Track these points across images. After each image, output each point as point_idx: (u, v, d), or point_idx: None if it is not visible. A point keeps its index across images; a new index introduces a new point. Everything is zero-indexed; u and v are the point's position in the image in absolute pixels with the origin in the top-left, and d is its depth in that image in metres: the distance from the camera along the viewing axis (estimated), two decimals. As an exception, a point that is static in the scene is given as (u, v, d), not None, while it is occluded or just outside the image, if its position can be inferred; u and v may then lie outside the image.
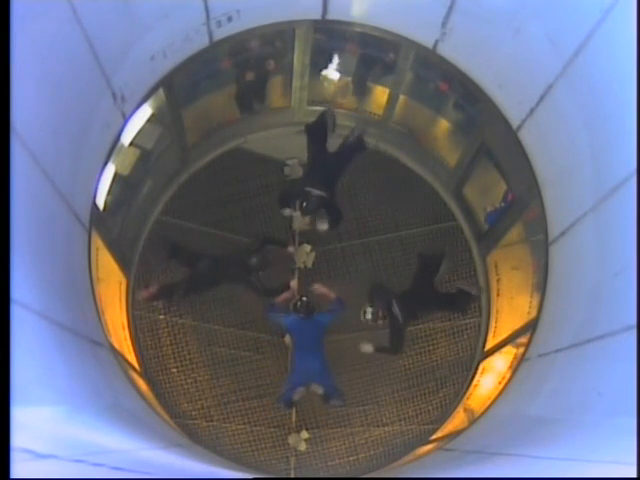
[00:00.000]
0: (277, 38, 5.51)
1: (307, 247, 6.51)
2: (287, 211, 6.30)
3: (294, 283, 6.01)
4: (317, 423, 6.12)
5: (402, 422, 6.16)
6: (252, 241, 6.12)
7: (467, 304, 6.15)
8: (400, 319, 5.78)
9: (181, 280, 5.92)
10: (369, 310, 5.84)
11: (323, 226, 6.32)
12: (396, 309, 5.78)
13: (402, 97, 6.07)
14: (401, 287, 6.08)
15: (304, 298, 5.80)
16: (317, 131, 6.07)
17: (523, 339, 4.88)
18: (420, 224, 6.58)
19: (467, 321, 6.28)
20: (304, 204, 5.99)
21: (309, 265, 6.50)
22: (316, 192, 5.91)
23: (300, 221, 6.36)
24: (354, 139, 6.13)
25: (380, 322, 5.85)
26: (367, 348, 6.04)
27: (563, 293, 4.32)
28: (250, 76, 5.94)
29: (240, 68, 5.79)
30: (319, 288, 5.93)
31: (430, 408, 6.18)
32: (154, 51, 4.37)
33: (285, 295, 5.93)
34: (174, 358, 6.09)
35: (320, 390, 5.62)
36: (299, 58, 5.64)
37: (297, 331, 5.75)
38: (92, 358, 3.83)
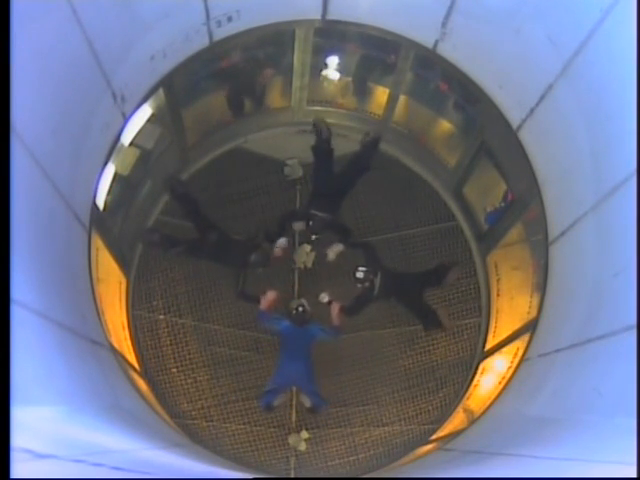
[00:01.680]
0: (277, 38, 5.50)
1: (307, 247, 6.51)
2: (282, 241, 6.15)
3: (272, 294, 5.82)
4: (317, 423, 6.12)
5: (402, 422, 6.16)
6: (254, 236, 6.11)
7: (445, 276, 6.11)
8: (375, 291, 5.79)
9: (186, 239, 5.93)
10: (361, 270, 5.82)
11: (332, 254, 6.27)
12: (377, 281, 5.78)
13: (402, 97, 6.06)
14: (394, 269, 6.09)
15: (301, 308, 5.77)
16: (322, 149, 6.14)
17: (523, 339, 4.88)
18: (420, 224, 6.58)
19: (467, 321, 6.28)
20: (310, 223, 6.05)
21: (309, 265, 6.50)
22: (321, 214, 5.99)
23: (302, 253, 6.43)
24: (368, 143, 6.22)
25: (367, 284, 5.81)
26: (323, 297, 5.97)
27: (563, 293, 4.31)
28: (245, 78, 5.95)
29: (233, 72, 5.78)
30: (325, 297, 5.93)
31: (430, 408, 6.18)
32: (154, 51, 4.37)
33: (268, 300, 5.75)
34: (174, 358, 6.09)
35: (308, 403, 5.66)
36: (299, 58, 5.64)
37: (288, 337, 5.72)
38: (92, 358, 3.83)
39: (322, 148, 6.15)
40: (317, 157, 6.19)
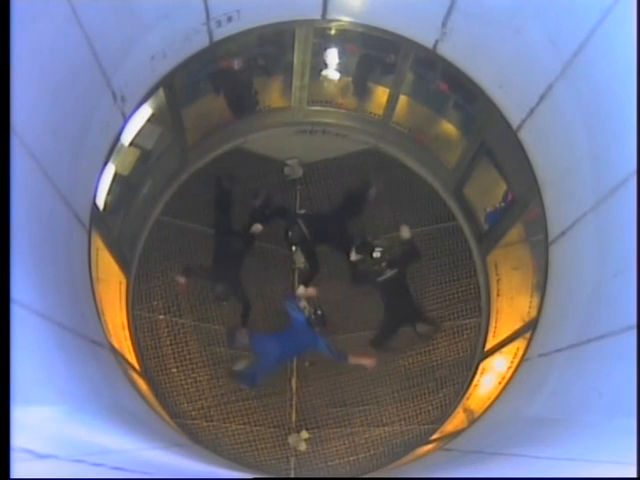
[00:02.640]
0: (277, 38, 5.51)
1: None
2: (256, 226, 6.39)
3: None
4: (317, 423, 6.12)
5: (402, 422, 6.16)
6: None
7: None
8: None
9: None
10: (378, 250, 5.99)
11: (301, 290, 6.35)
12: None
13: (402, 97, 6.06)
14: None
15: (320, 312, 5.88)
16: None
17: (523, 339, 4.88)
18: (420, 224, 6.58)
19: (467, 321, 6.29)
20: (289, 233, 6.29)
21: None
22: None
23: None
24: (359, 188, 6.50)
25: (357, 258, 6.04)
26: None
27: (563, 293, 4.31)
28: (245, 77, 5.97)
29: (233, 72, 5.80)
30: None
31: (430, 408, 6.18)
32: (154, 51, 4.37)
33: (310, 291, 6.13)
34: (174, 358, 6.09)
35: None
36: (299, 58, 5.64)
37: (297, 331, 5.79)
38: (92, 358, 3.83)
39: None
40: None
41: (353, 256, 6.06)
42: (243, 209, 6.49)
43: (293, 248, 6.50)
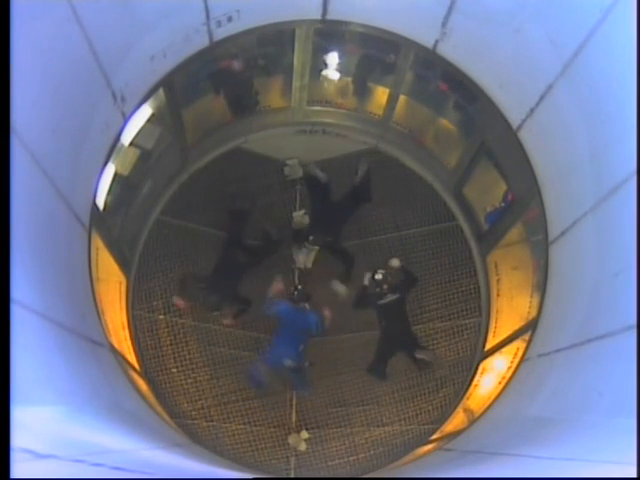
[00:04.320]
0: (277, 38, 5.51)
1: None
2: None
3: (278, 283, 6.22)
4: (317, 423, 6.12)
5: (402, 422, 6.16)
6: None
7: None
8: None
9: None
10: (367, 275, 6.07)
11: (339, 287, 6.41)
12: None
13: (402, 97, 6.06)
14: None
15: (299, 287, 6.01)
16: (320, 191, 6.43)
17: (523, 339, 4.88)
18: (420, 224, 6.59)
19: (467, 321, 6.29)
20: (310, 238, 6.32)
21: (309, 265, 6.51)
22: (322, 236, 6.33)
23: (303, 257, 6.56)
24: (361, 177, 6.43)
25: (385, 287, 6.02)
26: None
27: (563, 293, 4.31)
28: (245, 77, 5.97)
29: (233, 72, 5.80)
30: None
31: (430, 408, 6.18)
32: (154, 51, 4.37)
33: (276, 288, 6.12)
34: (174, 358, 6.09)
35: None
36: (299, 58, 5.64)
37: (287, 319, 5.86)
38: (92, 358, 3.83)
39: (320, 190, 6.43)
40: (315, 195, 6.47)
41: (366, 280, 6.09)
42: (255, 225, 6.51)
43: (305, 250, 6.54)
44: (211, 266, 6.22)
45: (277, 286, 6.12)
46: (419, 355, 6.07)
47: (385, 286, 5.97)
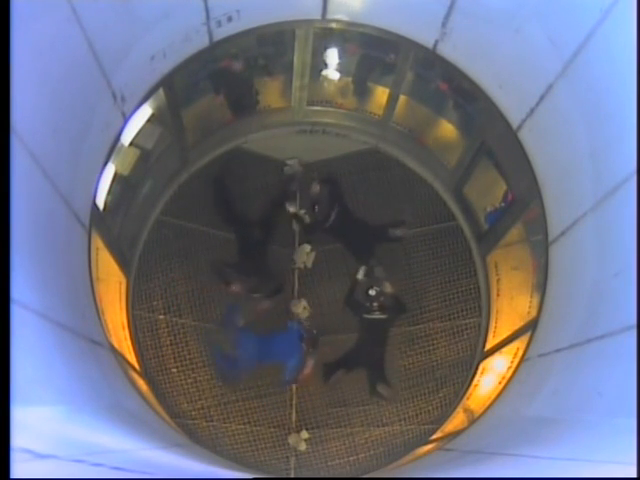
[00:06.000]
0: (277, 38, 5.50)
1: (307, 247, 6.51)
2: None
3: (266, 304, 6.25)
4: (317, 423, 6.12)
5: (402, 422, 6.16)
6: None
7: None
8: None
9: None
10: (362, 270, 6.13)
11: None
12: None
13: (402, 97, 6.06)
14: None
15: (315, 332, 6.00)
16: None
17: (523, 339, 4.88)
18: (420, 224, 6.58)
19: (467, 321, 6.28)
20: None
21: (309, 265, 6.50)
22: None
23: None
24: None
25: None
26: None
27: (563, 293, 4.31)
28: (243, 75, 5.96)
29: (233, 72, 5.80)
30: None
31: (430, 408, 6.18)
32: (154, 51, 4.37)
33: (260, 308, 6.15)
34: (174, 358, 6.09)
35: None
36: (299, 58, 5.63)
37: (285, 341, 5.91)
38: (92, 358, 3.83)
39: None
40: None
41: (360, 275, 6.13)
42: (242, 209, 6.49)
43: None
44: (234, 253, 6.27)
45: (263, 306, 6.14)
46: (380, 389, 6.09)
47: (375, 304, 6.01)
